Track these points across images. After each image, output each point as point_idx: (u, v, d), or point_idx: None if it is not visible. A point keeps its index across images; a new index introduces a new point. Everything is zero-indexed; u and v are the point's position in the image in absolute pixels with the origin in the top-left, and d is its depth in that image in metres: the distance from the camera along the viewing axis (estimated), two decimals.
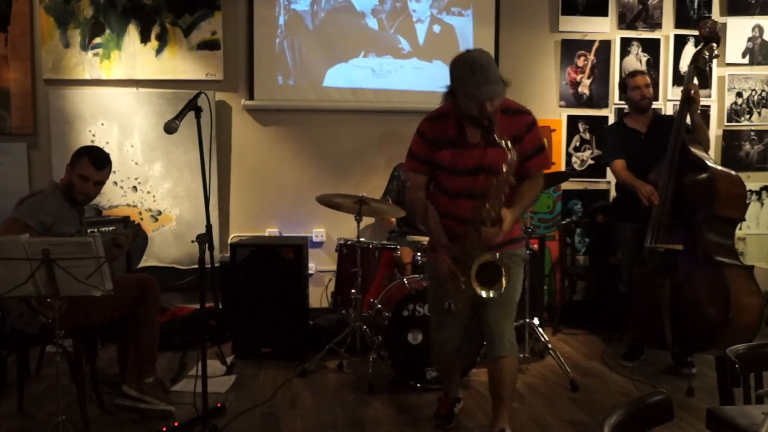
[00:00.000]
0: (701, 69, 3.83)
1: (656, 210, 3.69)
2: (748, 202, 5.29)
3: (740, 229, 5.32)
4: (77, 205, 3.16)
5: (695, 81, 3.81)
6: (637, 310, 3.84)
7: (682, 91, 3.79)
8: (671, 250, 3.61)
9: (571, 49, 5.18)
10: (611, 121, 5.21)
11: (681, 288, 3.61)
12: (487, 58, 2.51)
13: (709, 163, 3.69)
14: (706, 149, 3.86)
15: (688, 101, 3.73)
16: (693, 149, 3.73)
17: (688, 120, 3.80)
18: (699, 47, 3.86)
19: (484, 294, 2.55)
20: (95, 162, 3.11)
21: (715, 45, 3.82)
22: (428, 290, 3.06)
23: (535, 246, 4.59)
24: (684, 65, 5.17)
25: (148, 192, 4.82)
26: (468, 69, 2.46)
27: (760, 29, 5.28)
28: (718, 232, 3.65)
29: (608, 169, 5.22)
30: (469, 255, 2.59)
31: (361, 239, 3.90)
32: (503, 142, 2.46)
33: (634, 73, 4.10)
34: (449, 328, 2.87)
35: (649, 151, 3.86)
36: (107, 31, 4.77)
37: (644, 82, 4.02)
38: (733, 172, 3.76)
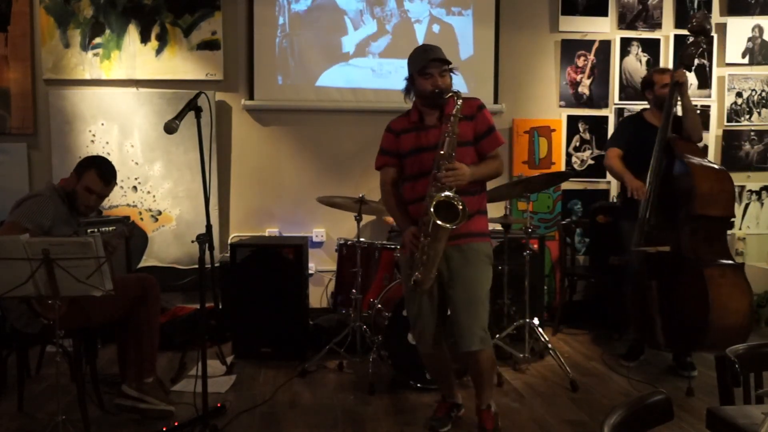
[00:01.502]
0: (687, 65, 3.74)
1: (642, 210, 3.67)
2: (748, 201, 5.31)
3: (740, 228, 5.33)
4: (77, 213, 3.16)
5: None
6: (634, 310, 3.83)
7: (673, 80, 3.70)
8: (659, 252, 3.58)
9: (571, 49, 5.18)
10: (611, 121, 5.22)
11: (667, 289, 3.59)
12: (437, 47, 2.84)
13: (691, 161, 3.61)
14: (697, 134, 3.78)
15: (674, 86, 3.66)
16: (676, 146, 3.66)
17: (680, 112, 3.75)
18: (687, 42, 3.77)
19: (447, 225, 2.62)
20: (103, 176, 3.11)
21: (703, 38, 3.73)
22: (402, 284, 3.10)
23: (535, 246, 4.59)
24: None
25: (148, 192, 4.82)
26: (420, 49, 2.86)
27: (760, 29, 5.28)
28: (702, 232, 3.58)
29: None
30: (427, 213, 2.68)
31: (361, 239, 3.90)
32: (453, 94, 2.72)
33: (664, 70, 3.98)
34: (426, 317, 2.90)
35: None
36: (107, 31, 4.77)
37: (666, 81, 3.88)
38: (717, 167, 3.67)
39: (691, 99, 3.82)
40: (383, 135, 2.99)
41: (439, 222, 2.62)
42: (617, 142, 4.03)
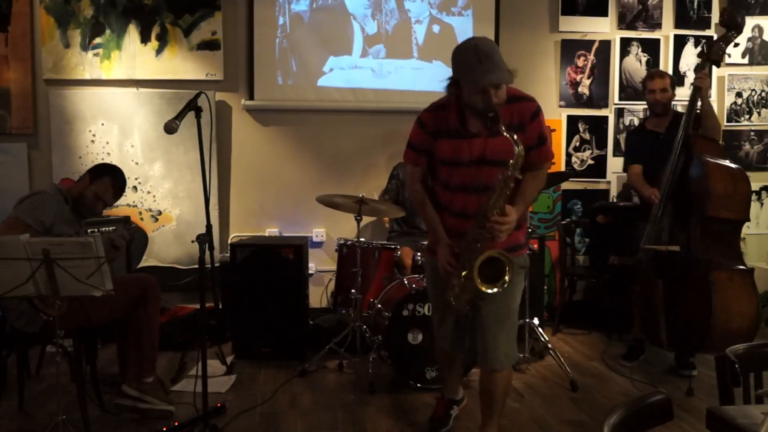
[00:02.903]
0: (714, 61, 3.66)
1: (655, 210, 3.67)
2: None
3: None
4: (79, 214, 3.16)
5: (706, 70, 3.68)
6: (639, 308, 3.82)
7: (692, 83, 3.67)
8: (669, 251, 3.57)
9: (571, 49, 5.18)
10: (611, 121, 5.23)
11: (673, 290, 3.57)
12: (492, 46, 2.41)
13: (708, 160, 3.53)
14: (716, 138, 3.71)
15: (695, 90, 3.62)
16: (696, 145, 3.58)
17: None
18: (717, 37, 3.69)
19: (488, 291, 2.45)
20: (116, 187, 3.16)
21: (734, 33, 3.61)
22: (426, 285, 3.03)
23: (535, 246, 4.59)
24: (684, 65, 5.18)
25: (149, 192, 4.82)
26: (474, 57, 2.36)
27: (760, 29, 5.29)
28: (714, 234, 3.51)
29: (608, 170, 5.27)
30: (471, 250, 2.51)
31: (361, 239, 3.90)
32: (510, 136, 2.36)
33: (652, 76, 4.00)
34: (449, 323, 2.83)
35: (668, 151, 3.73)
36: (107, 31, 4.77)
37: (660, 86, 3.93)
38: (735, 167, 3.57)
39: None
40: (414, 127, 2.67)
41: (483, 288, 2.45)
42: (633, 158, 4.07)
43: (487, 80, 2.35)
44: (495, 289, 2.46)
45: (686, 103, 3.78)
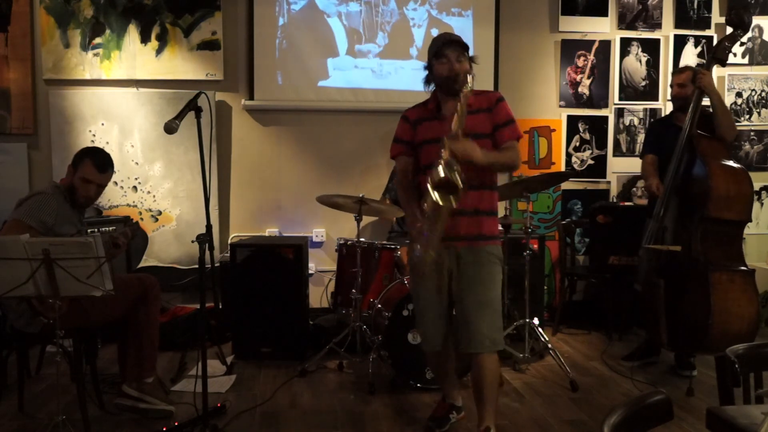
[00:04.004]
0: (719, 59, 3.62)
1: (657, 208, 3.66)
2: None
3: None
4: (78, 206, 3.16)
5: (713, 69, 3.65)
6: (643, 308, 3.80)
7: (695, 84, 3.65)
8: (670, 251, 3.57)
9: (570, 49, 5.18)
10: (611, 121, 5.23)
11: (673, 290, 3.56)
12: (458, 35, 2.79)
13: (710, 160, 3.49)
14: (730, 134, 3.66)
15: (699, 89, 3.59)
16: (698, 145, 3.55)
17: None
18: (723, 37, 3.65)
19: (446, 203, 2.48)
20: (98, 165, 3.09)
21: (741, 32, 3.58)
22: (410, 283, 3.05)
23: (535, 246, 4.60)
24: (684, 65, 5.17)
25: (149, 192, 4.83)
26: (440, 37, 2.78)
27: (760, 29, 5.28)
28: (715, 235, 3.47)
29: (608, 170, 5.28)
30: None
31: (361, 239, 3.90)
32: (468, 59, 2.71)
33: (680, 70, 4.01)
34: (433, 322, 2.86)
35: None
36: (107, 31, 4.77)
37: (678, 81, 3.91)
38: (738, 167, 3.52)
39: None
40: (399, 123, 2.92)
41: (438, 199, 2.47)
42: (647, 148, 4.07)
43: (448, 46, 2.71)
44: (452, 198, 2.48)
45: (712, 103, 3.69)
